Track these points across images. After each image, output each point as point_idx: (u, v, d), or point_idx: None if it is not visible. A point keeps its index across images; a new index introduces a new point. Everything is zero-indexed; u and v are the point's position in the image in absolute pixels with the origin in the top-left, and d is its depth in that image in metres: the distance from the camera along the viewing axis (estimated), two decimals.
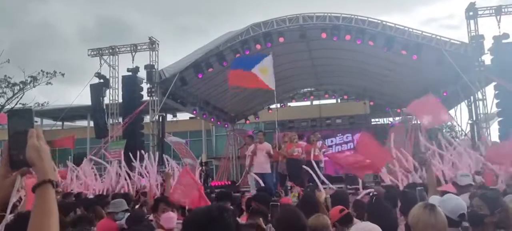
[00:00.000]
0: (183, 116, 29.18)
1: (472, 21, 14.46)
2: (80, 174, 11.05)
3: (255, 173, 10.81)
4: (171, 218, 4.00)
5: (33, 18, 77.80)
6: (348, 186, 10.28)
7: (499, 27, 14.46)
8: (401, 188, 6.59)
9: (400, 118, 21.64)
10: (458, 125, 15.80)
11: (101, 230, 4.75)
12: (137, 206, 7.02)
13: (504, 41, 14.14)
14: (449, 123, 23.80)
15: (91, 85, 18.15)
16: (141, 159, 10.92)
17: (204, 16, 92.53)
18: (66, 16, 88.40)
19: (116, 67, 18.38)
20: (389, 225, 3.35)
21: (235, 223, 1.78)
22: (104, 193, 9.43)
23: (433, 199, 3.55)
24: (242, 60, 12.38)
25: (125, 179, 10.36)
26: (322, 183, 6.66)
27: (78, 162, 12.81)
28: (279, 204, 4.69)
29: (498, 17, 14.57)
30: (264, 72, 11.09)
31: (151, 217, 4.68)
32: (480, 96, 14.35)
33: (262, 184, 9.43)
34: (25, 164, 1.29)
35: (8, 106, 26.39)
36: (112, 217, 5.53)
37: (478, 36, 14.11)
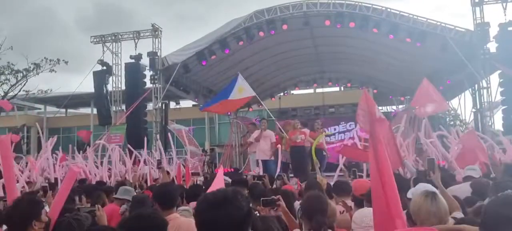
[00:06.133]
0: (186, 104, 29.16)
1: (477, 8, 14.31)
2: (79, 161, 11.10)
3: (258, 160, 10.96)
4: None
5: (35, 5, 77.62)
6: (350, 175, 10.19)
7: (505, 15, 14.32)
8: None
9: (404, 106, 21.56)
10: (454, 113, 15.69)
11: (109, 214, 4.74)
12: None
13: (509, 28, 13.94)
14: (452, 112, 23.70)
15: (94, 72, 18.19)
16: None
17: (203, 3, 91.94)
18: (67, 3, 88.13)
19: (119, 55, 18.39)
20: None
21: (248, 207, 1.83)
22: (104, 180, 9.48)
23: (423, 185, 3.49)
24: (218, 95, 13.19)
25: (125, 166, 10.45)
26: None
27: (81, 148, 12.89)
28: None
29: (504, 4, 14.41)
30: (241, 90, 11.87)
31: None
32: (484, 84, 14.25)
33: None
34: None
35: (11, 93, 26.45)
36: (119, 203, 5.47)
37: (483, 23, 13.96)
